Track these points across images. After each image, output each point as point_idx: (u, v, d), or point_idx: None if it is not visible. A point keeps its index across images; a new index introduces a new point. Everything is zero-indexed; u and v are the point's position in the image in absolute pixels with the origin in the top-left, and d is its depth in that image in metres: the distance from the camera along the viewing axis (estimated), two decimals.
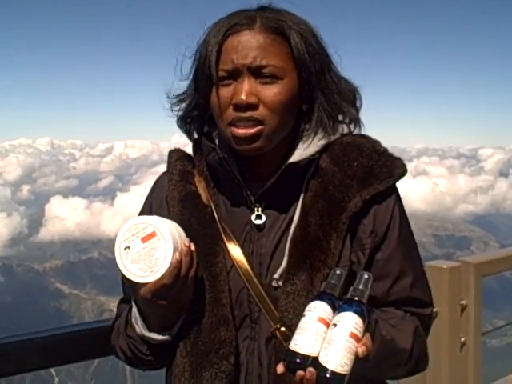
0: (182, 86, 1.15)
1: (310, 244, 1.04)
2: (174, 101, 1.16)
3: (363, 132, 1.15)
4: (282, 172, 1.06)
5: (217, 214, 1.11)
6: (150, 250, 0.98)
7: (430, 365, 1.17)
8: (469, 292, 2.16)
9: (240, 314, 1.07)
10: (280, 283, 1.05)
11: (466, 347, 2.16)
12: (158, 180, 1.24)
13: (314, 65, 1.06)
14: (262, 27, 1.03)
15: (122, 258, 0.98)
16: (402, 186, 1.13)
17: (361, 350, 0.86)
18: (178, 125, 1.19)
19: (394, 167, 1.08)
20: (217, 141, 1.14)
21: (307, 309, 0.91)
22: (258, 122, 1.02)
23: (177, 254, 0.98)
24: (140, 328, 1.06)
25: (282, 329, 1.02)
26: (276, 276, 1.05)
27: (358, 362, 0.87)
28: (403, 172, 1.09)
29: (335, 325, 0.88)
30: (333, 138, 1.10)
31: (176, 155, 1.21)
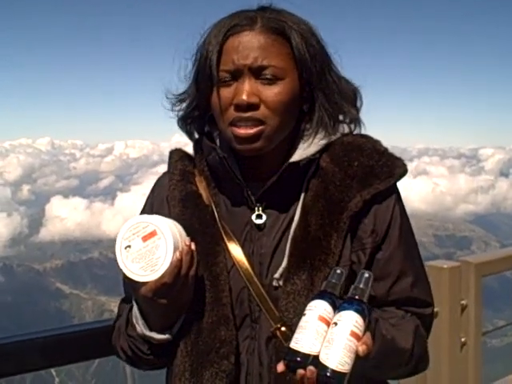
0: (183, 86, 1.15)
1: (311, 244, 1.04)
2: (175, 101, 1.16)
3: (364, 132, 1.15)
4: (282, 172, 1.06)
5: (217, 213, 1.11)
6: (151, 248, 0.98)
7: (430, 365, 1.17)
8: (469, 292, 2.16)
9: (240, 314, 1.07)
10: (280, 283, 1.05)
11: (466, 347, 2.16)
12: (158, 180, 1.24)
13: (315, 65, 1.06)
14: (263, 28, 1.03)
15: (123, 257, 0.99)
16: (402, 185, 1.13)
17: (361, 348, 0.87)
18: (178, 125, 1.19)
19: (395, 167, 1.09)
20: (218, 141, 1.14)
21: (308, 308, 0.91)
22: (259, 121, 1.02)
23: (177, 253, 0.98)
24: (141, 327, 1.06)
25: (283, 328, 1.02)
26: (276, 276, 1.05)
27: (359, 360, 0.87)
28: (404, 172, 1.09)
29: (336, 323, 0.88)
30: (333, 137, 1.11)
31: (177, 155, 1.21)
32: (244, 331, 1.07)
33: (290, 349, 0.88)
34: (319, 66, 1.06)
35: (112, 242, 0.99)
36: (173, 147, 1.25)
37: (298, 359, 0.87)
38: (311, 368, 0.85)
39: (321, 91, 1.08)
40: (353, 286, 0.93)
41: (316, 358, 0.86)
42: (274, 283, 1.06)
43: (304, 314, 0.90)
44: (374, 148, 1.10)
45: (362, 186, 1.06)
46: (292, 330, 0.94)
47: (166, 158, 1.23)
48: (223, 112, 1.05)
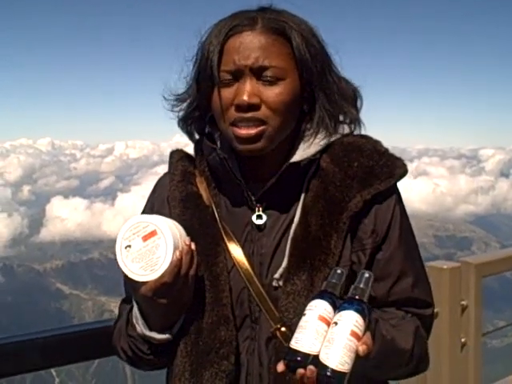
0: (183, 86, 1.15)
1: (311, 244, 1.04)
2: (175, 101, 1.16)
3: (364, 132, 1.15)
4: (282, 172, 1.06)
5: (218, 214, 1.11)
6: (151, 248, 0.98)
7: (431, 365, 1.17)
8: (469, 292, 2.16)
9: (241, 314, 1.07)
10: (280, 283, 1.05)
11: (466, 348, 2.16)
12: (159, 180, 1.24)
13: (316, 65, 1.06)
14: (264, 28, 1.03)
15: (123, 257, 0.99)
16: (402, 186, 1.13)
17: (361, 348, 0.87)
18: (179, 126, 1.19)
19: (395, 167, 1.08)
20: (218, 143, 1.14)
21: (308, 307, 0.91)
22: (260, 121, 1.02)
23: (177, 253, 0.98)
24: (141, 327, 1.06)
25: (283, 329, 1.02)
26: (276, 276, 1.05)
27: (359, 360, 0.87)
28: (404, 172, 1.09)
29: (336, 323, 0.88)
30: (333, 138, 1.11)
31: (177, 156, 1.21)
32: (244, 332, 1.07)
33: (290, 348, 0.88)
34: (320, 66, 1.07)
35: (112, 243, 0.99)
36: (173, 148, 1.25)
37: (298, 359, 0.87)
38: (311, 367, 0.85)
39: (321, 91, 1.08)
40: (353, 286, 0.93)
41: (316, 357, 0.86)
42: (274, 283, 1.06)
43: (304, 314, 0.91)
44: (374, 148, 1.10)
45: (363, 187, 1.06)
46: (292, 330, 0.94)
47: (167, 159, 1.23)
48: (224, 112, 1.05)
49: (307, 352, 0.87)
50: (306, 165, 1.08)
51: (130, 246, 0.99)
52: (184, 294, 1.02)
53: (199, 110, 1.14)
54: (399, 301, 1.09)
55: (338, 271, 0.95)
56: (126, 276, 1.00)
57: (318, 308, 0.90)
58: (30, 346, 1.40)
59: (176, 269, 0.98)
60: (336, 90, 1.09)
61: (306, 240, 1.05)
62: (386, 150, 1.11)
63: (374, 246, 1.07)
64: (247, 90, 1.02)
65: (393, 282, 1.08)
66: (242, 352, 1.07)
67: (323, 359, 0.85)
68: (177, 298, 1.01)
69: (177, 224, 1.04)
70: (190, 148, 1.22)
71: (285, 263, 1.05)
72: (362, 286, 0.92)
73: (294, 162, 1.07)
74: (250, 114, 1.02)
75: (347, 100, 1.11)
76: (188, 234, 1.05)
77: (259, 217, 1.09)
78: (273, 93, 1.02)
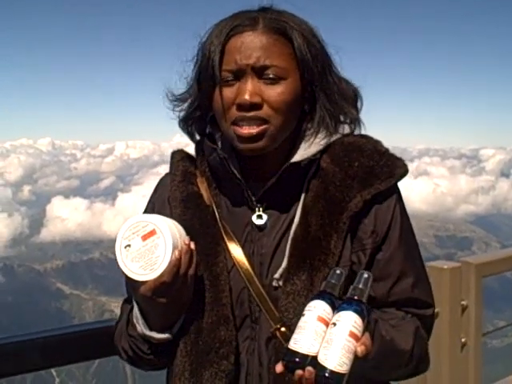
0: (183, 86, 1.15)
1: (311, 244, 1.04)
2: (176, 101, 1.16)
3: (364, 132, 1.15)
4: (282, 172, 1.06)
5: (218, 214, 1.11)
6: (150, 248, 0.98)
7: (431, 365, 1.16)
8: (469, 292, 2.16)
9: (240, 314, 1.07)
10: (280, 283, 1.05)
11: (466, 348, 2.16)
12: (161, 180, 1.25)
13: (317, 65, 1.06)
14: (265, 28, 1.03)
15: (123, 256, 0.99)
16: (403, 186, 1.13)
17: (360, 349, 0.86)
18: (179, 126, 1.19)
19: (395, 167, 1.08)
20: (219, 143, 1.14)
21: (307, 308, 0.91)
22: (262, 120, 1.02)
23: (176, 252, 0.98)
24: (141, 327, 1.06)
25: (282, 329, 1.02)
26: (276, 276, 1.05)
27: (358, 361, 0.87)
28: (404, 172, 1.09)
29: (334, 324, 0.88)
30: (334, 137, 1.11)
31: (178, 156, 1.21)
32: (244, 332, 1.07)
33: (289, 349, 0.88)
34: (320, 66, 1.07)
35: (113, 243, 0.99)
36: (174, 147, 1.26)
37: (297, 360, 0.86)
38: (310, 368, 0.85)
39: (322, 91, 1.08)
40: (352, 287, 0.93)
41: (314, 358, 0.86)
42: (274, 283, 1.06)
43: (303, 315, 0.90)
44: (374, 148, 1.10)
45: (363, 186, 1.06)
46: (291, 330, 0.94)
47: (167, 159, 1.23)
48: (225, 112, 1.05)
49: (306, 353, 0.86)
50: (307, 165, 1.08)
51: (129, 246, 0.99)
52: (183, 294, 1.03)
53: (200, 110, 1.14)
54: (399, 301, 1.09)
55: (338, 271, 0.95)
56: (125, 275, 1.00)
57: (317, 309, 0.90)
58: (31, 346, 1.40)
59: (175, 268, 0.98)
60: (336, 90, 1.09)
61: (306, 240, 1.05)
62: (387, 150, 1.11)
63: (374, 246, 1.07)
64: (249, 89, 1.02)
65: (393, 282, 1.08)
66: (242, 352, 1.07)
67: (322, 360, 0.85)
68: (176, 298, 1.01)
69: (176, 224, 1.04)
70: (190, 148, 1.22)
71: (285, 263, 1.05)
72: (361, 286, 0.92)
73: (295, 162, 1.07)
74: (251, 113, 1.02)
75: (347, 100, 1.11)
76: (188, 233, 1.05)
77: (259, 217, 1.09)
78: (274, 92, 1.02)
